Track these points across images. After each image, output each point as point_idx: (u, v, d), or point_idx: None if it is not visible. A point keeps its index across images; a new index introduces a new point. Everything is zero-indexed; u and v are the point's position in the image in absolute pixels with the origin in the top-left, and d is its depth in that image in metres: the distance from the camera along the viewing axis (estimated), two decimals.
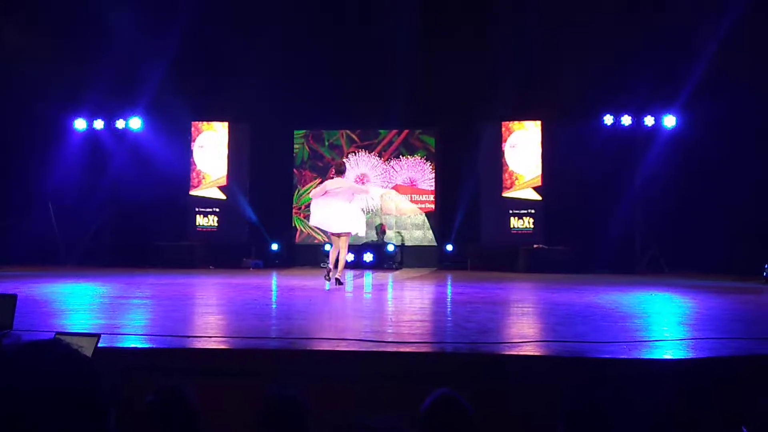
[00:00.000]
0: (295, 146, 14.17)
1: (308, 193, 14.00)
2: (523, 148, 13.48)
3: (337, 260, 8.81)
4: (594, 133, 12.85)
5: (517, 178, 13.46)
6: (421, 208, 13.90)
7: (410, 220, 13.90)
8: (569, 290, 8.79)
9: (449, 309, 7.05)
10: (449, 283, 10.43)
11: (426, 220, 13.88)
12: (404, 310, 6.87)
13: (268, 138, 13.89)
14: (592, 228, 12.29)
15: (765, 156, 11.48)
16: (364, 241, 13.02)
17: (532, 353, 4.30)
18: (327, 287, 8.68)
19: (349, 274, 11.91)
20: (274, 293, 8.58)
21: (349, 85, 13.15)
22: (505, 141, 13.55)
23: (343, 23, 12.84)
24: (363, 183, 13.96)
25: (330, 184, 8.96)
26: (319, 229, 10.29)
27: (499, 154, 13.51)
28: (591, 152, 12.44)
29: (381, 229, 13.68)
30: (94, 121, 13.81)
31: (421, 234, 13.86)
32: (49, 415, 1.17)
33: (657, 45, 11.88)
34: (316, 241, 13.73)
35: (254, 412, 2.65)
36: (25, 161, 13.38)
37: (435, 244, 13.79)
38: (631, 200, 12.81)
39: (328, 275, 8.75)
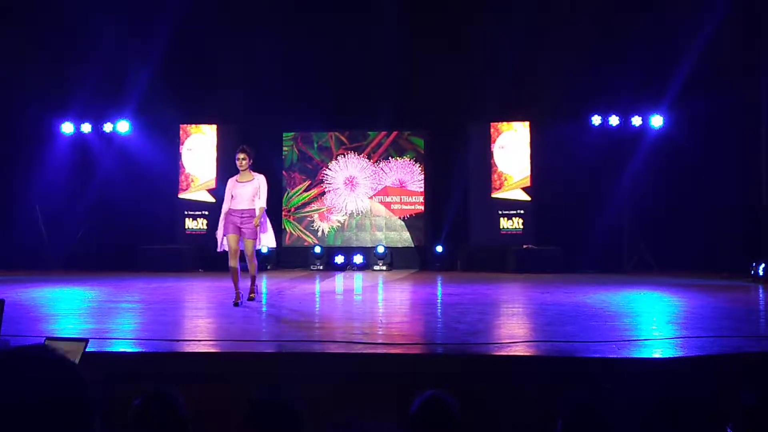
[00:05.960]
0: (284, 148, 14.14)
1: (297, 195, 13.99)
2: (512, 149, 13.50)
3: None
4: (582, 133, 12.89)
5: (506, 179, 13.49)
6: (410, 210, 13.89)
7: (400, 221, 13.90)
8: (558, 290, 8.83)
9: (439, 310, 7.06)
10: (439, 284, 10.44)
11: (416, 222, 13.88)
12: (394, 311, 6.87)
13: (257, 140, 13.73)
14: (580, 228, 12.34)
15: (751, 155, 11.59)
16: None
17: (521, 354, 4.32)
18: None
19: (339, 276, 11.92)
20: (264, 296, 8.54)
21: (337, 87, 13.12)
22: (494, 142, 13.57)
23: (330, 25, 12.83)
24: (352, 185, 13.94)
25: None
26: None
27: (488, 155, 13.53)
28: (579, 152, 12.48)
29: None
30: (82, 125, 13.70)
31: (411, 235, 13.86)
32: (35, 419, 1.16)
33: (644, 45, 11.93)
34: (305, 244, 13.71)
35: (240, 415, 2.64)
36: (12, 165, 13.27)
37: (424, 245, 13.79)
38: (619, 200, 12.84)
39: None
